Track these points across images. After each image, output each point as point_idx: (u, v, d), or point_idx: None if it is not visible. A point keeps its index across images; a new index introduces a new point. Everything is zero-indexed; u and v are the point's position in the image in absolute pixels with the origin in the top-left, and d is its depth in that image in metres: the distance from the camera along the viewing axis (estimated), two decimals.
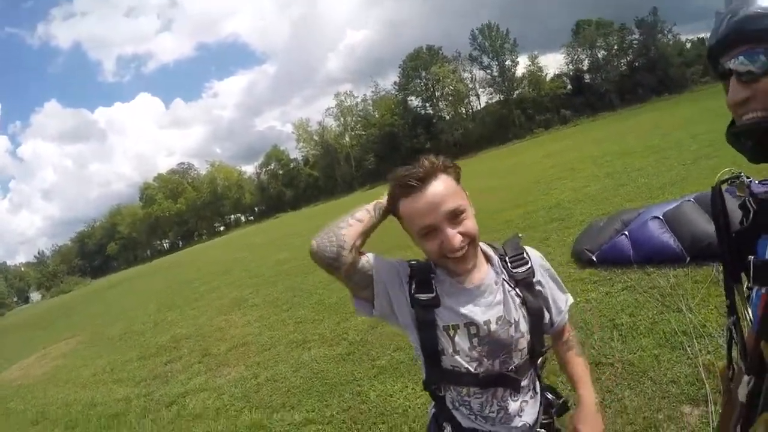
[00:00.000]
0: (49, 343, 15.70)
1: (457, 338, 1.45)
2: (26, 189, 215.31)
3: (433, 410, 1.63)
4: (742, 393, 1.10)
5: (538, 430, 1.59)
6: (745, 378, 1.10)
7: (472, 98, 79.00)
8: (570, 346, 1.72)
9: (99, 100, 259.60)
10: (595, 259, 5.61)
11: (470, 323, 1.44)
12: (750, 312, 1.15)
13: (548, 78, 73.16)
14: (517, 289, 1.51)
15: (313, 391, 4.93)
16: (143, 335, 11.13)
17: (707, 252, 4.69)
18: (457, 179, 1.45)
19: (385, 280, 1.49)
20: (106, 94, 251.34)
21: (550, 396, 1.66)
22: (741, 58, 0.96)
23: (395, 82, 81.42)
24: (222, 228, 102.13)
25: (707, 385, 2.91)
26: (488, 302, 1.47)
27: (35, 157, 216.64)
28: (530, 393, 1.56)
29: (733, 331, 1.21)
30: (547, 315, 1.59)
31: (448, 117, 77.31)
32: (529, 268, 1.55)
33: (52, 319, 26.86)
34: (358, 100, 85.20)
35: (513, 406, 1.51)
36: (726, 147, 1.05)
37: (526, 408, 1.54)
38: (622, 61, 70.71)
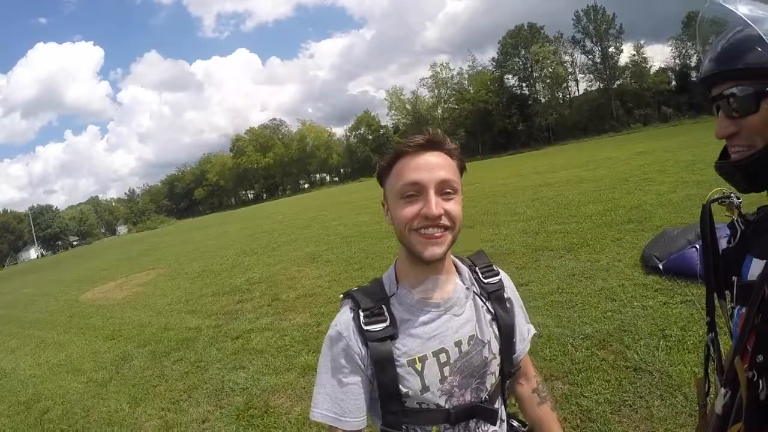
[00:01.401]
0: (131, 272, 17.10)
1: (425, 371, 1.27)
2: (123, 131, 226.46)
3: None
4: (719, 405, 1.22)
5: None
6: (722, 391, 1.21)
7: (570, 83, 76.41)
8: (543, 398, 1.58)
9: (198, 53, 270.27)
10: (661, 267, 5.54)
11: (439, 351, 1.29)
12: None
13: (652, 71, 69.00)
14: (488, 304, 1.39)
15: None
16: (220, 275, 11.95)
17: None
18: (461, 169, 1.30)
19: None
20: (204, 48, 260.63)
21: (515, 424, 1.52)
22: (728, 92, 1.01)
23: (493, 58, 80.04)
24: (306, 185, 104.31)
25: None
26: (459, 319, 1.33)
27: (134, 102, 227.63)
28: (499, 421, 1.41)
29: (711, 347, 1.26)
30: (515, 337, 1.45)
31: (543, 100, 75.18)
32: (500, 279, 1.44)
33: (136, 251, 28.63)
34: (454, 73, 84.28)
35: None
36: (715, 204, 1.18)
37: None
38: None
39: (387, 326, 1.27)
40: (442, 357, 1.28)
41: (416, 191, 1.20)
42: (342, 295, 1.37)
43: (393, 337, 1.27)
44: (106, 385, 6.17)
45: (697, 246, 5.37)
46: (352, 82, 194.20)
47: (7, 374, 7.99)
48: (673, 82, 67.92)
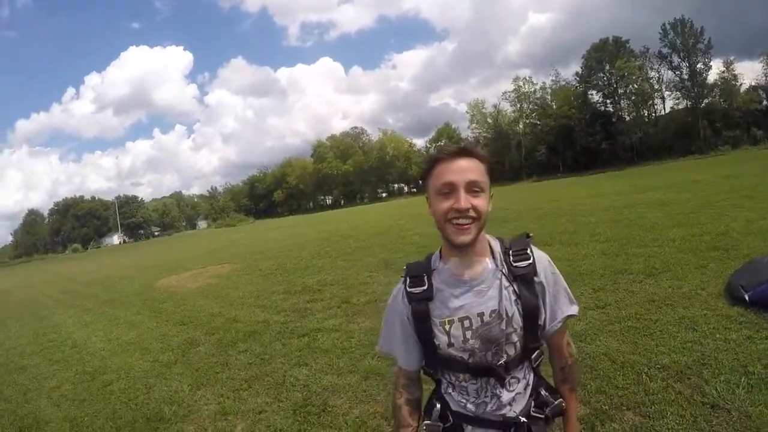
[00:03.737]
0: (207, 264, 17.64)
1: (452, 331, 1.61)
2: (209, 132, 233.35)
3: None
4: None
5: (524, 420, 1.66)
6: None
7: (656, 101, 73.50)
8: (566, 377, 1.81)
9: (282, 60, 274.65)
10: (747, 298, 5.18)
11: (464, 317, 1.60)
12: None
13: (742, 89, 65.68)
14: (515, 285, 1.61)
15: None
16: (293, 274, 12.11)
17: None
18: (490, 171, 1.60)
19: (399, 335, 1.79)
20: (288, 56, 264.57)
21: (544, 393, 1.72)
22: None
23: (577, 73, 77.62)
24: (384, 194, 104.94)
25: None
26: (483, 295, 1.60)
27: (220, 105, 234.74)
28: (523, 385, 1.68)
29: None
30: (542, 316, 1.66)
31: (628, 118, 72.76)
32: (531, 264, 1.63)
33: (214, 245, 29.65)
34: (537, 87, 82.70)
35: (506, 396, 1.65)
36: None
37: (518, 399, 1.66)
38: None
39: (425, 290, 1.66)
40: (466, 323, 1.61)
41: (450, 189, 1.53)
42: (405, 266, 1.77)
43: (429, 299, 1.65)
44: (171, 366, 6.40)
45: None
46: (434, 94, 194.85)
47: (78, 345, 8.47)
48: (765, 102, 64.32)
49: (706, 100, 66.71)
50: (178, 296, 11.64)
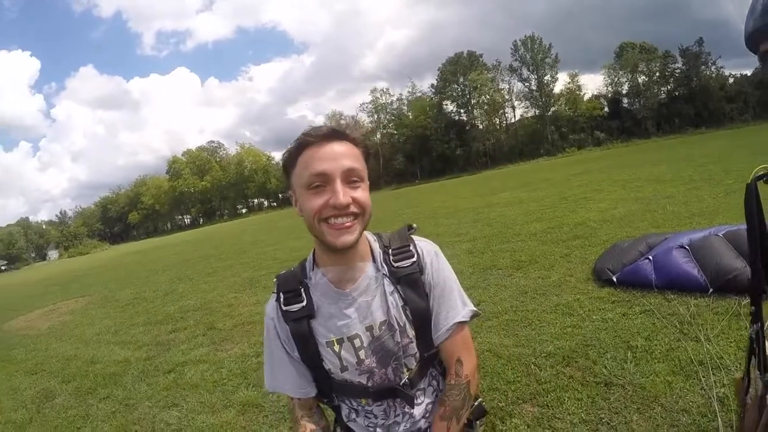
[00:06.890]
0: (59, 300, 16.04)
1: (343, 353, 1.37)
2: (56, 149, 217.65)
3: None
4: None
5: None
6: None
7: (507, 110, 78.93)
8: (443, 399, 1.47)
9: (135, 70, 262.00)
10: (615, 279, 5.45)
11: (353, 336, 1.36)
12: None
13: (585, 98, 72.48)
14: (399, 288, 1.38)
15: None
16: (152, 302, 11.24)
17: (731, 285, 4.55)
18: (366, 157, 1.32)
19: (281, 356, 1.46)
20: (142, 66, 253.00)
21: None
22: None
23: (432, 85, 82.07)
24: (244, 210, 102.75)
25: (719, 419, 2.78)
26: (369, 306, 1.36)
27: (68, 119, 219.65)
28: (431, 392, 1.49)
29: (754, 339, 1.20)
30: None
31: (481, 126, 77.06)
32: (414, 262, 1.40)
33: (66, 277, 27.26)
34: (394, 98, 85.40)
35: (417, 410, 1.46)
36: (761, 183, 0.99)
37: (432, 410, 1.48)
38: (663, 89, 69.96)
39: (304, 306, 1.37)
40: (356, 342, 1.37)
41: (322, 182, 1.22)
42: (275, 278, 1.47)
43: (311, 317, 1.37)
44: (26, 427, 5.46)
45: (650, 257, 5.38)
46: (291, 107, 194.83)
47: None
48: (606, 109, 71.50)
49: (553, 108, 73.15)
50: (28, 340, 10.31)
